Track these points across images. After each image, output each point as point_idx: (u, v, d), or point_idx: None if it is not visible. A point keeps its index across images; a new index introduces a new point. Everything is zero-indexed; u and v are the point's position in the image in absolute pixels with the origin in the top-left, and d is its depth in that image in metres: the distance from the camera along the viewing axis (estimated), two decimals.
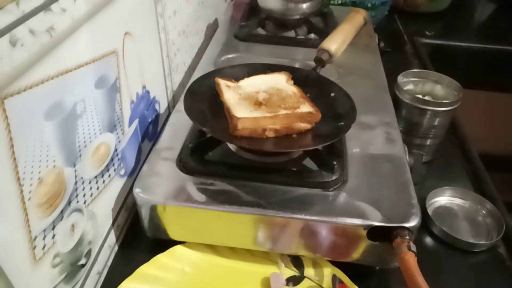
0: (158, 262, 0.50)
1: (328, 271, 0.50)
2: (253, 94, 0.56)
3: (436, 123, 0.66)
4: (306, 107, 0.53)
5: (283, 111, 0.52)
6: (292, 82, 0.60)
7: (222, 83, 0.57)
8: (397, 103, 0.67)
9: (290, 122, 0.52)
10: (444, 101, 0.65)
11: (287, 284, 0.50)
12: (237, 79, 0.60)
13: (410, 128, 0.68)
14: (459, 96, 0.66)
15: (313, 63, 0.68)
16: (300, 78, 0.62)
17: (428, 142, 0.69)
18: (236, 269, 0.51)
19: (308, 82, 0.62)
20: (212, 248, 0.53)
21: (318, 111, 0.53)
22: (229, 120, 0.51)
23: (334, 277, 0.50)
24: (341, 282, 0.50)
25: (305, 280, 0.50)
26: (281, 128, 0.51)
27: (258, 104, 0.54)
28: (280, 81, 0.59)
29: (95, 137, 0.45)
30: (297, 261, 0.52)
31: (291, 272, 0.51)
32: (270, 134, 0.51)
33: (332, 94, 0.59)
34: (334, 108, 0.56)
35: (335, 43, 0.68)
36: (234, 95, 0.55)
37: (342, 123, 0.53)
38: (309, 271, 0.51)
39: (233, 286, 0.50)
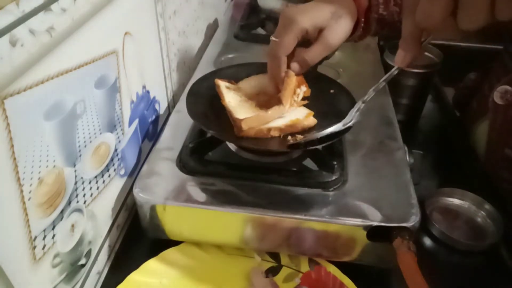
0: (147, 268, 0.50)
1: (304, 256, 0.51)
2: (253, 97, 0.55)
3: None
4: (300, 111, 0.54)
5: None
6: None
7: (222, 84, 0.57)
8: (386, 69, 0.75)
9: (293, 120, 0.52)
10: (423, 64, 0.75)
11: (267, 276, 0.50)
12: (237, 79, 0.60)
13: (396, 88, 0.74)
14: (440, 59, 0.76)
15: None
16: None
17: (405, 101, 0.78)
18: (214, 268, 0.51)
19: (307, 79, 0.62)
20: (190, 250, 0.53)
21: (307, 87, 0.54)
22: (233, 123, 0.51)
23: (310, 261, 0.51)
24: (317, 264, 0.51)
25: (284, 268, 0.51)
26: (285, 126, 0.51)
27: (259, 105, 0.53)
28: None
29: (95, 137, 0.45)
30: (272, 253, 0.52)
31: (269, 263, 0.52)
32: (275, 133, 0.51)
33: (332, 91, 0.59)
34: (334, 105, 0.56)
35: None
36: (235, 97, 0.55)
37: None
38: (285, 260, 0.52)
39: (214, 285, 0.50)
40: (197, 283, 0.50)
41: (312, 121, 0.53)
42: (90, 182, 0.45)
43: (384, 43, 0.93)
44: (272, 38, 0.53)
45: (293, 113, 0.53)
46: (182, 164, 0.52)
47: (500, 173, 0.65)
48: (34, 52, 0.33)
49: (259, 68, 0.64)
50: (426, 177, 0.65)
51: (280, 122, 0.51)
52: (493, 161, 0.67)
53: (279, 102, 0.53)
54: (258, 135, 0.50)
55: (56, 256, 0.40)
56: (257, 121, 0.50)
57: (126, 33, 0.51)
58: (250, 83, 0.59)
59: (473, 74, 0.80)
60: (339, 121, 0.52)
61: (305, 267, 0.51)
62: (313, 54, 0.52)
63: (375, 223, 0.45)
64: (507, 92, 0.64)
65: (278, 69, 0.53)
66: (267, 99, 0.55)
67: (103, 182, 0.48)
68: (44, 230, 0.37)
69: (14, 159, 0.32)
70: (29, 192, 0.34)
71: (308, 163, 0.55)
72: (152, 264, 0.50)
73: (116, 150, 0.51)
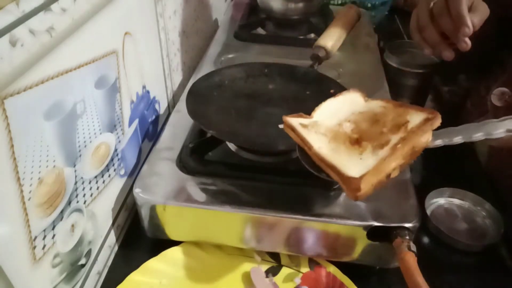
0: (147, 268, 0.50)
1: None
2: (338, 129, 0.43)
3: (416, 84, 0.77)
4: (416, 115, 0.41)
5: (395, 137, 0.39)
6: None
7: (296, 123, 0.43)
8: (386, 69, 0.76)
9: (412, 144, 0.39)
10: (423, 64, 0.75)
11: (267, 276, 0.50)
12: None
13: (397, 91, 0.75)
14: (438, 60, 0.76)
15: None
16: (298, 75, 0.62)
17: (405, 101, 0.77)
18: (214, 268, 0.51)
19: (307, 79, 0.62)
20: (191, 250, 0.53)
21: (434, 111, 0.41)
22: (339, 180, 0.38)
23: (310, 261, 0.51)
24: (317, 264, 0.51)
25: (284, 268, 0.51)
26: (405, 159, 0.39)
27: (355, 142, 0.41)
28: (357, 102, 0.46)
29: (95, 137, 0.45)
30: (272, 253, 0.53)
31: (269, 263, 0.52)
32: (395, 173, 0.39)
33: (332, 91, 0.59)
34: None
35: (331, 39, 0.68)
36: (321, 139, 0.42)
37: None
38: (285, 260, 0.52)
39: (214, 285, 0.50)
40: (197, 283, 0.50)
41: (430, 136, 0.41)
42: (90, 182, 0.45)
43: (384, 44, 0.93)
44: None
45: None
46: (182, 164, 0.52)
47: (505, 171, 0.64)
48: (34, 52, 0.33)
49: (260, 68, 0.64)
50: (426, 177, 0.65)
51: (397, 158, 0.38)
52: (497, 161, 0.67)
53: (378, 128, 0.41)
54: (377, 187, 0.38)
55: (56, 256, 0.40)
56: (377, 175, 0.37)
57: (126, 33, 0.51)
58: (325, 114, 0.45)
59: (463, 75, 0.80)
60: None
61: (305, 267, 0.51)
62: (481, 17, 0.50)
63: (375, 223, 0.45)
64: (504, 94, 0.64)
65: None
66: (357, 129, 0.42)
67: (103, 182, 0.48)
68: (44, 230, 0.37)
69: (14, 159, 0.32)
70: (29, 192, 0.34)
71: None
72: (152, 264, 0.50)
73: (116, 150, 0.51)
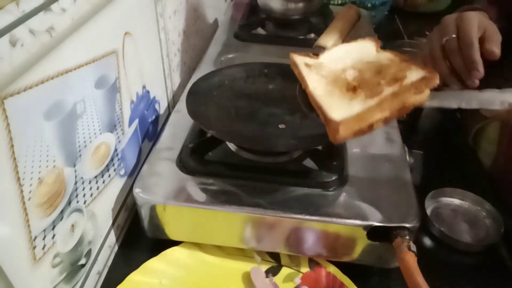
0: (147, 268, 0.50)
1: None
2: (339, 74, 0.43)
3: None
4: (415, 73, 0.40)
5: (387, 90, 0.39)
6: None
7: (300, 61, 0.44)
8: None
9: (402, 100, 0.39)
10: None
11: (267, 276, 0.50)
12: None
13: None
14: None
15: None
16: None
17: None
18: (214, 268, 0.51)
19: None
20: (192, 250, 0.53)
21: (433, 71, 0.40)
22: (324, 121, 0.39)
23: (310, 261, 0.51)
24: (317, 264, 0.51)
25: (283, 268, 0.51)
26: (392, 113, 0.39)
27: (352, 89, 0.41)
28: (368, 51, 0.46)
29: (95, 137, 0.45)
30: (272, 253, 0.53)
31: (269, 263, 0.52)
32: (379, 125, 0.39)
33: None
34: None
35: (331, 39, 0.68)
36: (319, 80, 0.42)
37: None
38: (285, 260, 0.52)
39: (214, 285, 0.50)
40: (197, 283, 0.50)
41: (426, 96, 0.40)
42: (90, 182, 0.45)
43: (384, 44, 0.93)
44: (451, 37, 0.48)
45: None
46: (182, 164, 0.52)
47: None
48: (34, 52, 0.33)
49: (260, 68, 0.64)
50: (426, 177, 0.65)
51: (384, 110, 0.39)
52: (504, 160, 0.67)
53: (377, 79, 0.41)
54: (358, 135, 0.38)
55: (56, 256, 0.40)
56: (358, 122, 0.38)
57: (126, 33, 0.51)
58: (333, 57, 0.46)
59: None
60: None
61: (305, 267, 0.51)
62: (498, 44, 0.48)
63: (375, 223, 0.45)
64: None
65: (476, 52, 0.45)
66: (359, 78, 0.42)
67: (103, 182, 0.48)
68: (44, 230, 0.37)
69: (14, 159, 0.32)
70: (29, 192, 0.34)
71: (308, 163, 0.55)
72: (152, 264, 0.50)
73: (116, 150, 0.51)
